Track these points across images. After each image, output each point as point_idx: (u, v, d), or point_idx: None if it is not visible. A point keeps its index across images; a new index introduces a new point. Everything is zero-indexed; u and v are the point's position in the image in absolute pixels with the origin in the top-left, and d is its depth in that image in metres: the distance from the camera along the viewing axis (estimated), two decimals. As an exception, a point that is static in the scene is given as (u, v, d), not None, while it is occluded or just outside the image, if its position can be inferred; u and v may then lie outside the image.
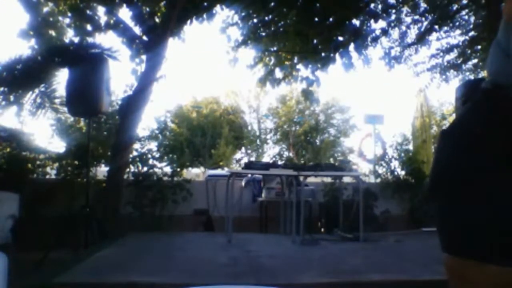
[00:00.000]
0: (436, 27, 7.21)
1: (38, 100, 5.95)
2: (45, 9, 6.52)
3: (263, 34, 7.40)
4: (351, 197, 6.18)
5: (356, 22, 7.22)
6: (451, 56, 7.64)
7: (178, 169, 6.58)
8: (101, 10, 6.52)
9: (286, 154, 25.15)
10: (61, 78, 5.91)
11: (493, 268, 0.77)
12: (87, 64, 4.61)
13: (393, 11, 7.13)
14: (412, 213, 6.61)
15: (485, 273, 0.78)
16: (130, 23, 6.41)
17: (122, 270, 3.33)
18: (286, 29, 7.26)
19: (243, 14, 7.08)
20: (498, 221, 0.77)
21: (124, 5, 6.38)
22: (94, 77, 4.49)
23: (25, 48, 6.12)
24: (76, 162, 6.21)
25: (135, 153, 6.44)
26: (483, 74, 8.36)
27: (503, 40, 0.96)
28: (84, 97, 4.46)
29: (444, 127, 1.09)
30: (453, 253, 0.85)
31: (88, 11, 6.46)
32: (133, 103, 5.88)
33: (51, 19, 6.45)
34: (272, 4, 7.00)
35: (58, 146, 6.84)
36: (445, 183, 0.88)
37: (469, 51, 7.70)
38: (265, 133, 26.30)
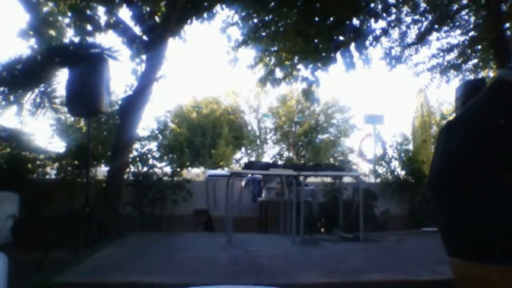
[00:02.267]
0: (436, 27, 7.20)
1: (38, 100, 5.95)
2: (45, 9, 6.51)
3: (263, 34, 7.39)
4: (351, 197, 6.18)
5: (356, 22, 7.22)
6: (451, 56, 7.64)
7: (178, 169, 6.58)
8: (101, 10, 6.52)
9: (286, 154, 25.14)
10: (61, 78, 5.93)
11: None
12: (87, 64, 4.61)
13: (394, 10, 7.13)
14: (412, 213, 6.61)
15: (507, 274, 0.73)
16: (130, 23, 6.41)
17: (122, 270, 3.33)
18: (286, 29, 7.26)
19: (243, 14, 7.07)
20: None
21: (124, 5, 6.38)
22: (94, 77, 4.49)
23: (24, 48, 6.13)
24: (76, 162, 6.21)
25: (135, 153, 6.44)
26: (483, 74, 8.36)
27: None
28: (84, 97, 4.46)
29: (450, 119, 1.01)
30: (467, 257, 0.79)
31: (88, 11, 6.46)
32: (133, 103, 5.88)
33: (50, 19, 6.45)
34: (272, 4, 7.00)
35: (58, 146, 6.85)
36: (455, 179, 0.81)
37: (469, 51, 7.69)
38: (265, 133, 26.29)
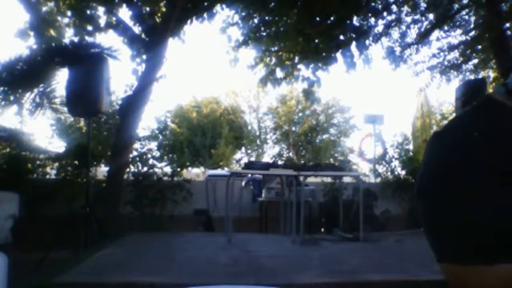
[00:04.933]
0: (437, 24, 7.19)
1: (37, 100, 5.94)
2: (44, 9, 6.51)
3: (264, 34, 7.39)
4: (351, 197, 6.18)
5: (356, 21, 7.22)
6: (451, 56, 7.64)
7: (178, 169, 6.58)
8: (101, 10, 6.52)
9: (286, 154, 25.14)
10: (61, 78, 5.93)
11: (504, 269, 0.74)
12: (87, 64, 4.60)
13: (394, 9, 7.13)
14: (412, 213, 6.60)
15: (496, 276, 0.74)
16: (130, 23, 6.41)
17: (122, 270, 3.33)
18: (287, 28, 7.26)
19: (243, 14, 7.07)
20: (500, 220, 0.75)
21: (124, 5, 6.38)
22: (94, 77, 4.49)
23: (22, 48, 6.14)
24: (76, 162, 6.21)
25: (135, 153, 6.44)
26: (483, 74, 8.35)
27: None
28: (84, 97, 4.46)
29: (436, 130, 1.05)
30: (454, 260, 0.81)
31: (88, 11, 6.46)
32: (133, 103, 5.88)
33: (50, 18, 6.45)
34: (273, 4, 6.99)
35: (58, 146, 6.86)
36: (438, 184, 0.84)
37: (469, 51, 7.69)
38: (265, 133, 26.28)
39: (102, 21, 6.52)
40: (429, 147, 0.92)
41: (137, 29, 6.48)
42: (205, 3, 6.82)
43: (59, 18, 6.55)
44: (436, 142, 0.90)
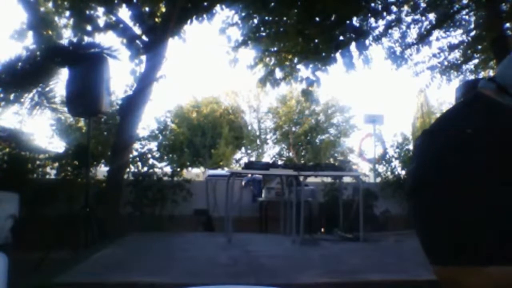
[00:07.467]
0: (437, 25, 7.19)
1: (36, 100, 5.94)
2: (42, 9, 6.50)
3: (264, 34, 7.39)
4: (351, 197, 6.18)
5: (356, 21, 7.22)
6: (452, 56, 7.63)
7: (178, 169, 6.58)
8: (100, 10, 6.51)
9: (286, 154, 25.13)
10: (61, 77, 5.92)
11: (495, 270, 0.74)
12: (87, 64, 4.60)
13: (394, 9, 7.13)
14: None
15: (487, 276, 0.74)
16: (130, 23, 6.41)
17: (122, 270, 3.33)
18: (286, 29, 7.26)
19: (243, 14, 7.07)
20: (494, 221, 0.74)
21: (124, 5, 6.37)
22: (93, 77, 4.49)
23: (21, 48, 6.12)
24: (76, 162, 6.21)
25: (135, 153, 6.44)
26: (484, 74, 8.35)
27: None
28: (84, 97, 4.46)
29: (425, 128, 1.05)
30: (447, 262, 0.80)
31: (87, 11, 6.45)
32: (133, 103, 5.88)
33: (49, 18, 6.44)
34: (272, 4, 6.99)
35: (58, 146, 6.86)
36: (431, 185, 0.83)
37: (469, 51, 7.69)
38: (265, 133, 26.27)
39: (102, 21, 6.52)
40: (420, 146, 0.90)
41: (137, 29, 6.48)
42: (205, 3, 6.81)
43: (57, 18, 6.54)
44: (428, 141, 0.89)
